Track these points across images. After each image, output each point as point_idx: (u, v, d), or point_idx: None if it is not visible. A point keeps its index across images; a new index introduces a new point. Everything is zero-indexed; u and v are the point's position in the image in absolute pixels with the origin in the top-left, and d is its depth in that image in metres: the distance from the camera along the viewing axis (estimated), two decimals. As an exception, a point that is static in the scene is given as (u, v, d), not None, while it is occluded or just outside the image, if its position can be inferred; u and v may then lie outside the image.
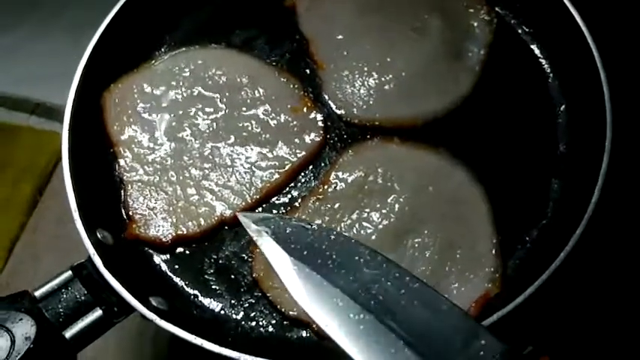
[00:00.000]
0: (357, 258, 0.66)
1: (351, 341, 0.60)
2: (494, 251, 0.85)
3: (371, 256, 0.66)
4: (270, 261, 0.67)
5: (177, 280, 0.88)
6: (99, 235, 0.85)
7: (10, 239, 1.14)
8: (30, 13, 1.31)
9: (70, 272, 0.82)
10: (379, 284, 0.63)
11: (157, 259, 0.89)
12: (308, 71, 0.99)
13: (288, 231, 0.68)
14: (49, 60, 1.26)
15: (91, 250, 0.82)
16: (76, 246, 1.09)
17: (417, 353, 0.60)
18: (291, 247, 0.67)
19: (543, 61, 0.98)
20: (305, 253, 0.66)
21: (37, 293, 0.80)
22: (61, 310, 0.79)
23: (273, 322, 0.84)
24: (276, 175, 0.91)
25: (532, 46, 1.00)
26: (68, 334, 0.78)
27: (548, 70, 0.98)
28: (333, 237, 0.68)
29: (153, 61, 1.00)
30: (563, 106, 0.95)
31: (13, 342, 0.75)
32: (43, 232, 1.15)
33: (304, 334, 0.83)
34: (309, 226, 0.69)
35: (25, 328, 0.76)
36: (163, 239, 0.88)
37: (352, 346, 0.60)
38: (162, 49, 1.03)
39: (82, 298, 0.80)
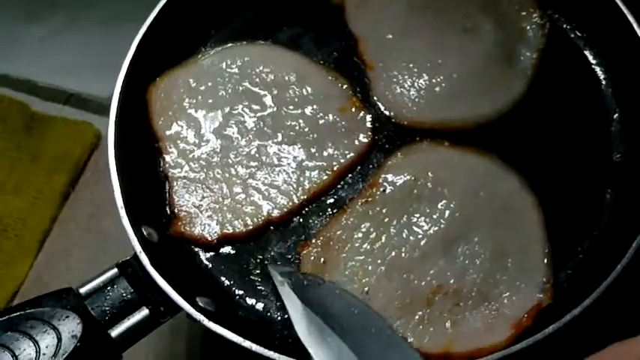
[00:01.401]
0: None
1: None
2: (545, 261, 0.83)
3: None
4: (286, 304, 0.78)
5: (223, 279, 0.86)
6: (144, 232, 0.84)
7: (43, 231, 1.12)
8: (64, 4, 1.29)
9: (115, 269, 0.80)
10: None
11: (203, 258, 0.87)
12: (356, 71, 0.97)
13: (305, 283, 0.80)
14: (83, 51, 1.25)
15: (138, 248, 0.80)
16: (109, 241, 1.10)
17: None
18: (303, 294, 0.78)
19: (597, 67, 0.97)
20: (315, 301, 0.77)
21: (82, 290, 0.79)
22: (107, 308, 0.78)
23: (321, 325, 0.83)
24: (324, 176, 0.90)
25: (585, 52, 0.98)
26: (114, 333, 0.77)
27: (602, 77, 0.96)
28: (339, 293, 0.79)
29: (199, 56, 0.99)
30: (617, 114, 0.93)
31: (59, 340, 0.74)
32: (75, 225, 1.13)
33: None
34: (322, 282, 0.81)
35: (71, 326, 0.75)
36: (209, 238, 0.86)
37: None
38: (209, 45, 1.02)
39: (129, 296, 0.79)
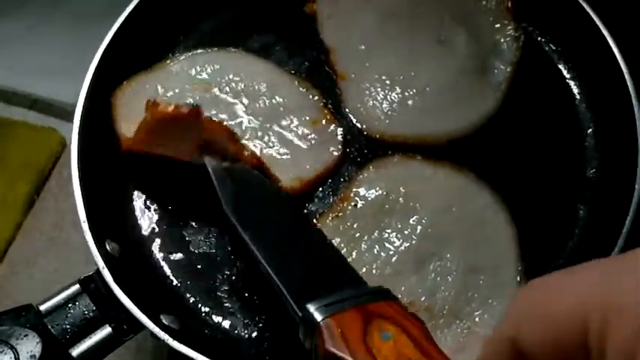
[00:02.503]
0: None
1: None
2: (518, 278, 0.82)
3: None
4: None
5: (188, 296, 0.84)
6: (107, 247, 0.81)
7: (6, 240, 1.09)
8: (29, 7, 1.26)
9: (77, 286, 0.78)
10: None
11: (168, 273, 0.85)
12: (328, 82, 0.96)
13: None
14: (50, 53, 1.21)
15: (101, 264, 0.78)
16: (73, 251, 1.07)
17: None
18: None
19: (571, 82, 0.96)
20: None
21: (43, 307, 0.76)
22: (68, 326, 0.76)
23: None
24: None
25: (559, 65, 0.97)
26: (75, 352, 0.75)
27: (576, 91, 0.95)
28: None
29: (168, 62, 0.96)
30: (591, 129, 0.93)
31: (17, 360, 0.71)
32: (39, 233, 1.10)
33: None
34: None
35: (30, 346, 0.72)
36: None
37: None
38: (178, 50, 1.00)
39: (90, 314, 0.76)
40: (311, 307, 0.61)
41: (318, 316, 0.60)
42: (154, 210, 0.89)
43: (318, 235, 0.79)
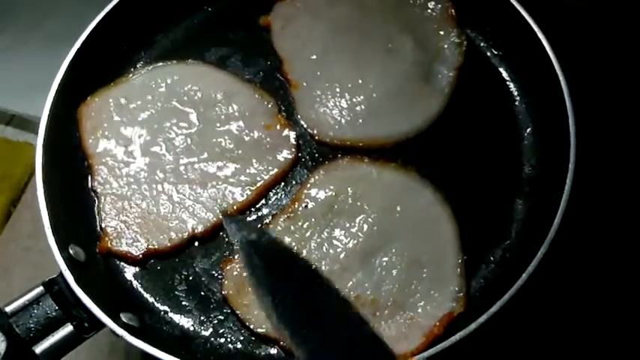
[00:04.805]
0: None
1: None
2: (459, 270, 0.87)
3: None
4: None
5: (147, 296, 0.89)
6: (71, 252, 0.86)
7: (-16, 250, 1.13)
8: (7, 25, 1.31)
9: (41, 288, 0.83)
10: None
11: (129, 274, 0.90)
12: (282, 89, 1.01)
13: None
14: (26, 71, 1.26)
15: (63, 267, 0.83)
16: (49, 259, 1.11)
17: None
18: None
19: (511, 84, 1.00)
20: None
21: (8, 309, 0.81)
22: (31, 325, 0.80)
23: (242, 338, 0.85)
24: (248, 192, 0.93)
25: (500, 69, 1.02)
26: (38, 349, 0.79)
27: (516, 93, 1.00)
28: None
29: (130, 75, 1.01)
30: (530, 129, 0.97)
31: (-18, 357, 0.76)
32: (16, 244, 1.15)
33: (272, 351, 0.85)
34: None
35: (-5, 344, 0.77)
36: (135, 253, 0.89)
37: None
38: (140, 64, 1.05)
39: (53, 313, 0.81)
40: None
41: None
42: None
43: (355, 317, 0.68)
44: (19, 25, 1.31)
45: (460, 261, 0.87)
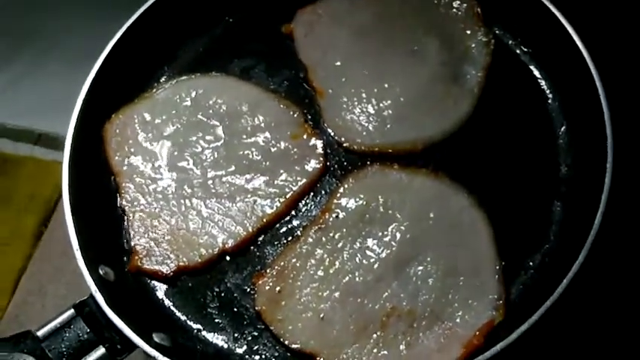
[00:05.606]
0: None
1: None
2: (497, 277, 0.84)
3: None
4: None
5: (179, 314, 0.88)
6: (101, 272, 0.86)
7: (17, 271, 1.14)
8: (27, 46, 1.32)
9: (72, 310, 0.82)
10: None
11: (160, 293, 0.89)
12: (307, 98, 0.99)
13: None
14: (50, 90, 1.27)
15: (93, 288, 0.82)
16: (81, 278, 1.11)
17: None
18: None
19: (542, 82, 0.98)
20: None
21: (40, 333, 0.81)
22: (64, 349, 0.80)
23: (277, 354, 0.84)
24: (277, 204, 0.91)
25: (531, 67, 0.99)
26: (72, 373, 0.79)
27: (548, 91, 0.97)
28: None
29: (154, 91, 1.00)
30: (564, 127, 0.94)
31: (16, 384, 0.75)
32: (49, 263, 1.15)
33: (308, 366, 0.83)
34: None
35: (28, 370, 0.76)
36: (165, 271, 0.88)
37: None
38: (163, 79, 1.04)
39: (85, 336, 0.81)
40: None
41: None
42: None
43: None
44: (38, 44, 1.32)
45: (498, 267, 0.84)
